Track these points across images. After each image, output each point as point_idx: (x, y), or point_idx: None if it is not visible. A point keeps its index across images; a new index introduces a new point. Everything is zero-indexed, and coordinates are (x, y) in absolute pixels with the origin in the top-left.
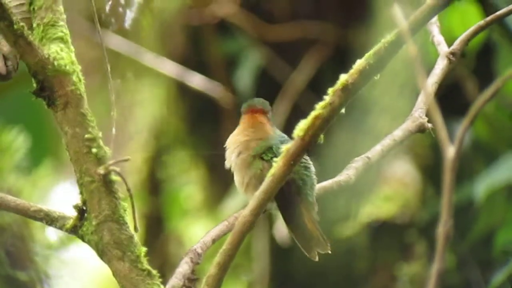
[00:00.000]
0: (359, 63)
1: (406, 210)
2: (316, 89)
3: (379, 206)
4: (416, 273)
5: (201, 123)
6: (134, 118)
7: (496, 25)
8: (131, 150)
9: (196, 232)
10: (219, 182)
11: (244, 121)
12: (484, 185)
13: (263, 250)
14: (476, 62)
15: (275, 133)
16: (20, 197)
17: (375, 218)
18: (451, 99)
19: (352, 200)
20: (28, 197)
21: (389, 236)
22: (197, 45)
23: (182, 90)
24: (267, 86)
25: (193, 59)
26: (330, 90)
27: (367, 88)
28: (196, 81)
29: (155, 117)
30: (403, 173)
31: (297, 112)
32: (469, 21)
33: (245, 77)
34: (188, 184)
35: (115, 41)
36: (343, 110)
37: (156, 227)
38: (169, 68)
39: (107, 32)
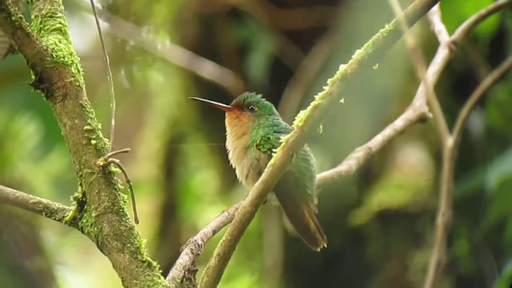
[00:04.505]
0: (357, 53)
1: (418, 198)
2: (328, 76)
3: (391, 194)
4: (428, 262)
5: (215, 111)
6: (149, 107)
7: (510, 12)
8: (146, 138)
9: (211, 219)
10: (233, 170)
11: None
12: (496, 173)
13: (275, 240)
14: (490, 49)
15: (257, 122)
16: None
17: (387, 206)
18: (464, 87)
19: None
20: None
21: (401, 225)
22: (209, 33)
23: (196, 78)
24: (279, 73)
25: (206, 47)
26: (329, 80)
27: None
28: (208, 69)
29: (170, 106)
30: (416, 161)
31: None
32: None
33: (257, 64)
34: (202, 171)
35: (127, 30)
36: (342, 100)
37: (171, 214)
38: (181, 56)
39: (120, 21)
